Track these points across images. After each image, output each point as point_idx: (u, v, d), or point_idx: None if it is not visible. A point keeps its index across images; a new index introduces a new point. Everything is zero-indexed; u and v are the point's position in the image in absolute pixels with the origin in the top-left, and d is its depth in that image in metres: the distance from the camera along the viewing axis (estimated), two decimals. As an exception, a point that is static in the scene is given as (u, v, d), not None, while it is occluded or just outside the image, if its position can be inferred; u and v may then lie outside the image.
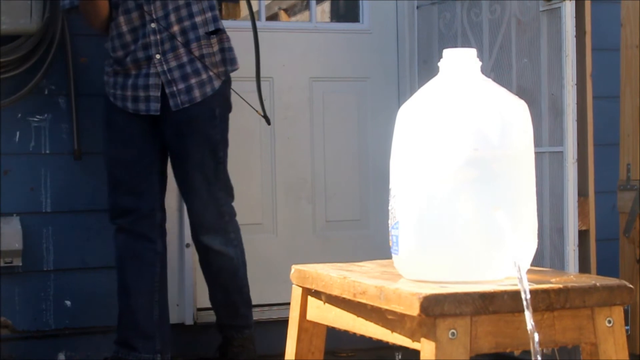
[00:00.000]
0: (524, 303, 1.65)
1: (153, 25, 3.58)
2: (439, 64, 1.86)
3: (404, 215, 1.80)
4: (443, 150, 1.76)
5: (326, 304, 1.97)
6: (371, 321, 1.83)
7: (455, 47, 3.84)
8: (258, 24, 4.41)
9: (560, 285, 1.73)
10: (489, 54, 3.95)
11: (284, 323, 2.14)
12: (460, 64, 1.84)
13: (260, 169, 4.34)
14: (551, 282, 1.75)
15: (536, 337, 1.64)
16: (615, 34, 3.92)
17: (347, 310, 1.91)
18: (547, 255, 3.71)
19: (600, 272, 3.27)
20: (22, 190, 3.89)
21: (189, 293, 4.09)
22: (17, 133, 3.89)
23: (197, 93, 3.61)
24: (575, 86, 3.63)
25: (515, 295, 1.68)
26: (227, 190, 3.73)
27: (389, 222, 1.85)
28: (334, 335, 2.13)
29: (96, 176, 3.98)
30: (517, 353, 1.87)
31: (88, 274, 3.96)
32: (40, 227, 3.92)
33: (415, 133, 1.80)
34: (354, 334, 1.92)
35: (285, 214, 4.39)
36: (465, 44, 4.02)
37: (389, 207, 1.85)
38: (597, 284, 1.75)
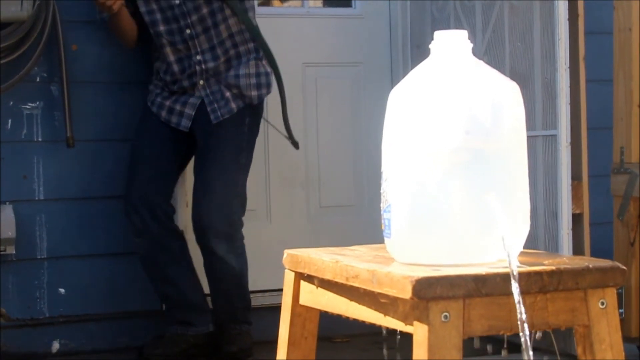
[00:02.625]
0: (513, 283, 1.64)
1: (199, 57, 3.78)
2: (430, 45, 1.85)
3: (396, 198, 1.80)
4: (435, 133, 1.76)
5: (319, 289, 1.97)
6: (364, 305, 1.83)
7: (448, 31, 3.82)
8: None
9: (553, 267, 1.72)
10: (482, 37, 3.94)
11: (278, 309, 2.14)
12: (451, 45, 1.83)
13: (253, 155, 4.33)
14: (544, 264, 1.75)
15: (524, 317, 1.64)
16: (608, 17, 3.91)
17: (340, 295, 1.90)
18: (541, 239, 3.71)
19: (594, 255, 3.26)
20: (15, 178, 3.88)
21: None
22: (9, 121, 3.87)
23: (233, 104, 3.79)
24: (569, 69, 3.63)
25: (507, 277, 1.67)
26: (241, 201, 3.80)
27: (381, 205, 1.85)
28: (329, 321, 2.13)
29: (89, 163, 3.97)
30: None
31: (82, 261, 3.95)
32: (34, 215, 3.91)
33: (406, 116, 1.80)
34: (348, 319, 1.92)
35: (279, 201, 4.38)
36: (458, 27, 4.01)
37: (381, 190, 1.84)
38: (590, 266, 1.75)
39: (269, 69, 3.88)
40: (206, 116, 3.79)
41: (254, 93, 3.83)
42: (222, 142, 3.78)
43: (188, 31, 3.76)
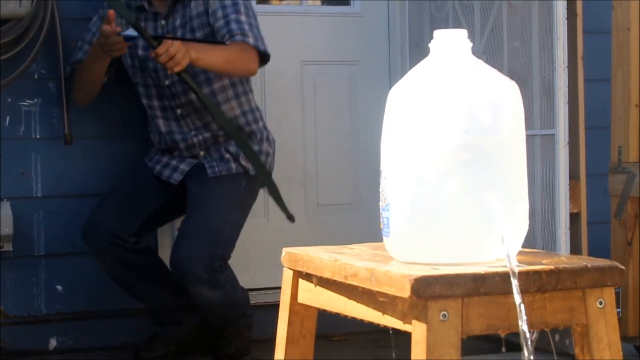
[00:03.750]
0: (513, 282, 1.65)
1: (193, 133, 3.74)
2: (430, 44, 1.85)
3: (395, 197, 1.80)
4: (434, 132, 1.76)
5: (317, 287, 1.97)
6: (362, 304, 1.83)
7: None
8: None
9: (552, 267, 1.72)
10: (480, 36, 3.94)
11: (276, 307, 2.14)
12: (451, 44, 1.83)
13: (251, 153, 4.33)
14: (542, 264, 1.75)
15: (524, 316, 1.64)
16: (606, 16, 3.91)
17: (339, 293, 1.90)
18: (538, 238, 3.71)
19: (592, 254, 3.27)
20: (13, 175, 3.87)
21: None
22: (7, 118, 3.87)
23: (233, 165, 3.72)
24: (567, 69, 3.63)
25: (506, 276, 1.68)
26: (224, 253, 3.58)
27: (380, 204, 1.85)
28: (326, 320, 2.13)
29: (87, 161, 3.97)
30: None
31: (79, 258, 3.95)
32: (31, 211, 3.90)
33: (406, 115, 1.80)
34: (346, 317, 1.92)
35: (276, 198, 4.38)
36: (457, 26, 4.01)
37: (380, 189, 1.84)
38: (589, 265, 1.75)
39: (270, 149, 3.82)
40: (202, 170, 3.71)
41: (250, 165, 3.72)
42: (215, 194, 3.65)
43: (179, 111, 3.73)
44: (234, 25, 3.57)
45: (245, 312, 3.75)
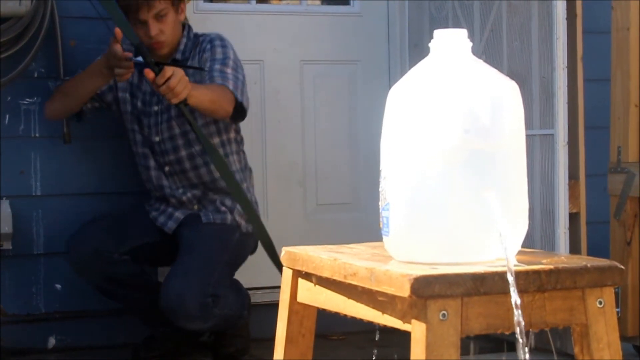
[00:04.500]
0: (509, 281, 1.65)
1: (180, 190, 3.71)
2: (430, 44, 1.85)
3: (395, 196, 1.80)
4: (434, 132, 1.75)
5: (317, 286, 1.97)
6: (362, 303, 1.83)
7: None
8: (248, 6, 4.40)
9: (551, 266, 1.72)
10: (480, 36, 3.94)
11: (275, 306, 2.14)
12: (451, 44, 1.83)
13: (251, 153, 4.32)
14: (542, 263, 1.75)
15: (520, 315, 1.64)
16: (606, 16, 3.91)
17: (338, 292, 1.90)
18: (537, 238, 3.71)
19: (591, 254, 3.27)
20: (12, 173, 3.87)
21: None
22: (7, 116, 3.87)
23: (228, 216, 3.70)
24: (566, 69, 3.63)
25: (505, 276, 1.67)
26: (218, 288, 3.50)
27: (380, 203, 1.85)
28: (326, 319, 2.13)
29: (86, 159, 3.97)
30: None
31: (78, 257, 3.94)
32: (31, 210, 3.90)
33: (405, 114, 1.80)
34: (345, 316, 1.92)
35: (276, 198, 4.38)
36: (456, 26, 4.01)
37: (380, 189, 1.84)
38: (588, 265, 1.75)
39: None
40: (197, 218, 3.69)
41: (243, 222, 3.72)
42: (207, 237, 3.61)
43: (167, 168, 3.71)
44: (216, 73, 3.54)
45: (242, 314, 3.73)
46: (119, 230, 3.69)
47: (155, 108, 3.68)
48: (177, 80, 3.24)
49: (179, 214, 3.72)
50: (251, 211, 3.54)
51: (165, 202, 3.77)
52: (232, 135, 3.73)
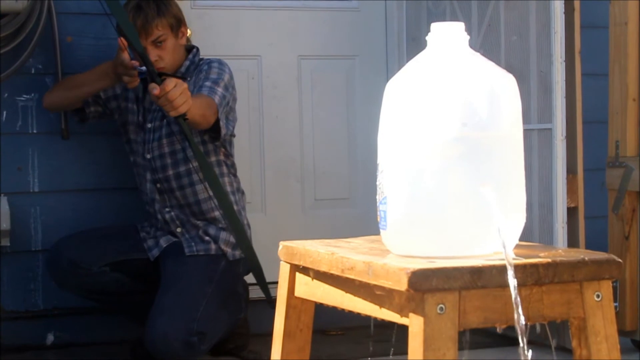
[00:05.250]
0: (509, 273, 1.64)
1: (167, 209, 3.65)
2: (427, 38, 1.85)
3: (392, 190, 1.79)
4: (431, 125, 1.75)
5: (314, 281, 1.97)
6: (359, 297, 1.83)
7: (444, 24, 3.82)
8: (246, 1, 4.39)
9: (549, 260, 1.72)
10: (478, 31, 3.93)
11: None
12: (448, 37, 1.82)
13: (248, 148, 4.33)
14: (540, 257, 1.75)
15: (520, 310, 1.63)
16: (604, 11, 3.91)
17: (336, 287, 1.90)
18: (536, 233, 3.71)
19: (589, 249, 3.26)
20: (10, 169, 3.87)
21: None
22: (4, 112, 3.87)
23: (212, 246, 3.61)
24: (564, 63, 3.63)
25: (503, 269, 1.67)
26: (204, 326, 3.39)
27: (377, 197, 1.84)
28: (324, 314, 2.13)
29: (84, 156, 3.97)
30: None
31: (76, 253, 3.94)
32: (28, 206, 3.90)
33: (403, 107, 1.79)
34: (343, 311, 1.92)
35: (274, 193, 4.38)
36: (454, 20, 4.00)
37: (377, 182, 1.84)
38: (586, 259, 1.75)
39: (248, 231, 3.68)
40: (180, 249, 3.60)
41: (229, 250, 3.63)
42: (190, 271, 3.50)
43: (159, 185, 3.66)
44: (205, 89, 3.45)
45: (238, 317, 3.71)
46: (102, 242, 3.64)
47: (149, 125, 3.65)
48: (178, 93, 3.14)
49: (163, 242, 3.63)
50: (242, 234, 3.43)
51: (155, 222, 3.70)
52: (222, 157, 3.67)
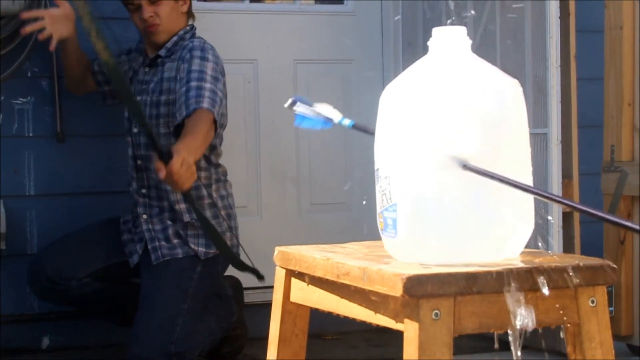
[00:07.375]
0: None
1: (144, 190, 3.57)
2: (429, 43, 1.83)
3: (402, 197, 1.76)
4: (438, 131, 1.73)
5: (310, 286, 1.97)
6: (355, 302, 1.83)
7: (440, 28, 3.82)
8: (242, 5, 4.40)
9: (544, 265, 1.72)
10: (473, 35, 3.94)
11: (268, 306, 2.14)
12: (450, 42, 1.81)
13: (245, 152, 4.33)
14: (535, 262, 1.75)
15: (519, 317, 1.64)
16: (599, 15, 3.92)
17: (331, 292, 1.90)
18: (531, 238, 3.70)
19: (585, 253, 3.26)
20: (5, 173, 3.87)
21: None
22: (0, 116, 3.87)
23: (179, 251, 3.50)
24: (560, 67, 3.63)
25: (498, 275, 1.67)
26: (181, 346, 3.36)
27: (380, 204, 1.82)
28: (319, 319, 2.13)
29: (79, 159, 3.97)
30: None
31: (72, 257, 3.94)
32: (24, 210, 3.90)
33: (408, 113, 1.77)
34: (339, 316, 1.92)
35: (270, 197, 4.38)
36: (450, 25, 4.01)
37: (379, 189, 1.82)
38: (581, 264, 1.75)
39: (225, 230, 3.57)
40: (149, 257, 3.50)
41: (201, 249, 3.52)
42: (165, 285, 3.42)
43: (139, 162, 3.59)
44: (192, 97, 3.35)
45: (230, 320, 3.69)
46: (83, 251, 3.60)
47: (135, 130, 3.61)
48: (180, 173, 3.04)
49: (139, 248, 3.54)
50: (209, 228, 3.32)
51: (134, 209, 3.62)
52: (212, 171, 3.61)
